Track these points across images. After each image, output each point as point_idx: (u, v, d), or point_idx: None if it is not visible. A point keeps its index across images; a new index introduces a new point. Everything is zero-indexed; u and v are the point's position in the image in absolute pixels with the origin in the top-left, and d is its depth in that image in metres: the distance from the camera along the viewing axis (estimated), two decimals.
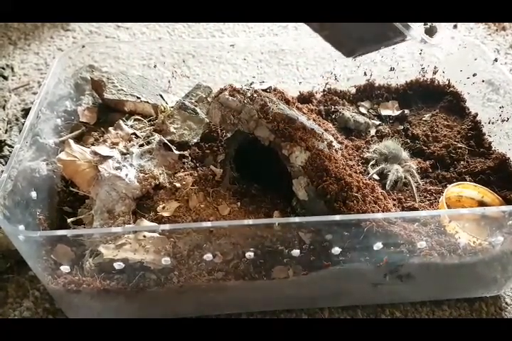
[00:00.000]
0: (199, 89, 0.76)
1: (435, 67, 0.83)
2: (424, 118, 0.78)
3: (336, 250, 0.52)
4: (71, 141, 0.65)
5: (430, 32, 0.50)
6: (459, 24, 1.14)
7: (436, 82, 0.83)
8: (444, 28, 0.51)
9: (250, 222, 0.51)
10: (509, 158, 0.69)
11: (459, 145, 0.72)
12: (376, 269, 0.55)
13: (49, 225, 0.60)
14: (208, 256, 0.53)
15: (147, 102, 0.75)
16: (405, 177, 0.64)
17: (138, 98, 0.75)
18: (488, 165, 0.68)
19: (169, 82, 0.83)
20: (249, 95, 0.62)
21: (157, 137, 0.68)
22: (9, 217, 0.52)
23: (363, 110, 0.80)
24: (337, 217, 0.50)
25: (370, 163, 0.67)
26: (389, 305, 0.62)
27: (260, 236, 0.52)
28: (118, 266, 0.52)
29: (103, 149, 0.64)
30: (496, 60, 0.73)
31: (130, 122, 0.72)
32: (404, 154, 0.68)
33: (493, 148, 0.72)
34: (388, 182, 0.64)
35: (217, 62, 0.86)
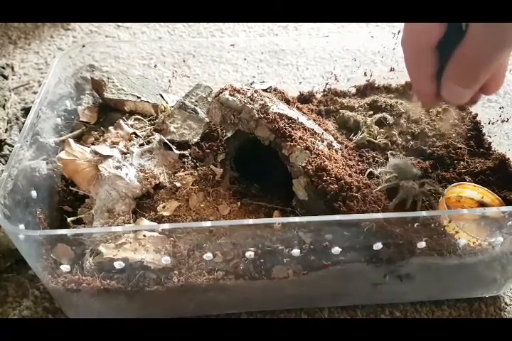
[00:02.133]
0: (199, 88, 0.76)
1: None
2: (424, 119, 0.78)
3: (336, 250, 0.52)
4: (71, 141, 0.65)
5: None
6: None
7: None
8: None
9: (250, 221, 0.51)
10: (509, 159, 0.69)
11: (459, 145, 0.72)
12: (376, 269, 0.55)
13: (49, 224, 0.60)
14: (208, 256, 0.53)
15: (147, 102, 0.75)
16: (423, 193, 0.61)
17: (138, 97, 0.75)
18: (488, 165, 0.68)
19: (169, 81, 0.83)
20: (249, 95, 0.63)
21: (157, 136, 0.68)
22: (9, 216, 0.52)
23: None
24: (337, 217, 0.50)
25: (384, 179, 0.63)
26: (389, 305, 0.62)
27: (260, 236, 0.52)
28: (118, 265, 0.52)
29: (103, 148, 0.64)
30: None
31: (130, 122, 0.72)
32: (415, 170, 0.64)
33: (492, 149, 0.72)
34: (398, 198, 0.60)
35: (217, 61, 0.86)
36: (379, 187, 0.60)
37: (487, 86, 0.46)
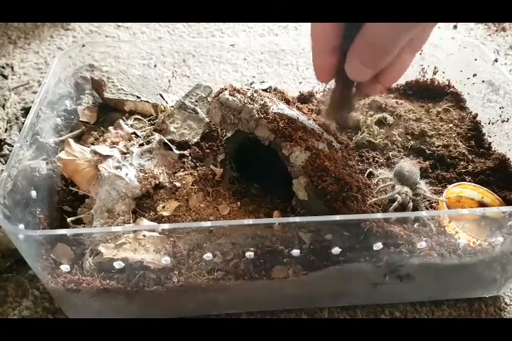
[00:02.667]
0: (199, 88, 0.76)
1: (435, 68, 0.83)
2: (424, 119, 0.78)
3: (336, 250, 0.52)
4: (71, 140, 0.65)
5: None
6: (459, 24, 1.15)
7: (437, 82, 0.83)
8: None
9: (250, 221, 0.51)
10: (509, 159, 0.69)
11: (459, 145, 0.72)
12: (376, 269, 0.55)
13: (49, 224, 0.60)
14: (208, 256, 0.53)
15: (147, 102, 0.75)
16: (413, 201, 0.60)
17: (138, 97, 0.75)
18: (488, 165, 0.68)
19: (169, 81, 0.83)
20: (249, 95, 0.62)
21: (157, 136, 0.68)
22: (9, 216, 0.52)
23: None
24: (337, 217, 0.50)
25: (381, 184, 0.62)
26: (388, 305, 0.62)
27: (260, 236, 0.52)
28: (118, 265, 0.52)
29: (103, 148, 0.64)
30: (496, 60, 0.73)
31: (130, 121, 0.72)
32: (417, 177, 0.62)
33: (493, 149, 0.72)
34: (396, 203, 0.59)
35: (217, 61, 0.86)
36: (374, 199, 0.59)
37: (383, 76, 0.47)
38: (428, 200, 0.63)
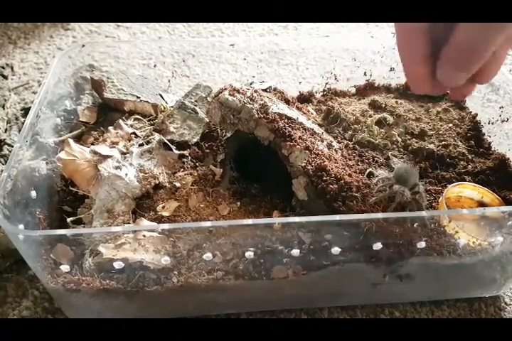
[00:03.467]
0: (199, 88, 0.76)
1: None
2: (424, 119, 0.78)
3: (336, 250, 0.52)
4: (71, 141, 0.65)
5: None
6: None
7: None
8: None
9: (250, 221, 0.51)
10: (509, 159, 0.69)
11: (459, 145, 0.72)
12: (376, 269, 0.55)
13: (48, 224, 0.60)
14: (208, 256, 0.53)
15: (147, 102, 0.75)
16: (410, 203, 0.59)
17: (138, 97, 0.75)
18: (488, 165, 0.68)
19: (169, 81, 0.83)
20: (249, 95, 0.63)
21: (157, 136, 0.68)
22: (9, 216, 0.52)
23: None
24: (337, 217, 0.50)
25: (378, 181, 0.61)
26: (388, 305, 0.62)
27: (260, 236, 0.52)
28: (118, 265, 0.52)
29: (103, 148, 0.64)
30: None
31: (130, 121, 0.72)
32: (416, 179, 0.61)
33: (492, 149, 0.72)
34: (394, 205, 0.58)
35: (217, 61, 0.86)
36: (373, 199, 0.58)
37: (479, 75, 0.45)
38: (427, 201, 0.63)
